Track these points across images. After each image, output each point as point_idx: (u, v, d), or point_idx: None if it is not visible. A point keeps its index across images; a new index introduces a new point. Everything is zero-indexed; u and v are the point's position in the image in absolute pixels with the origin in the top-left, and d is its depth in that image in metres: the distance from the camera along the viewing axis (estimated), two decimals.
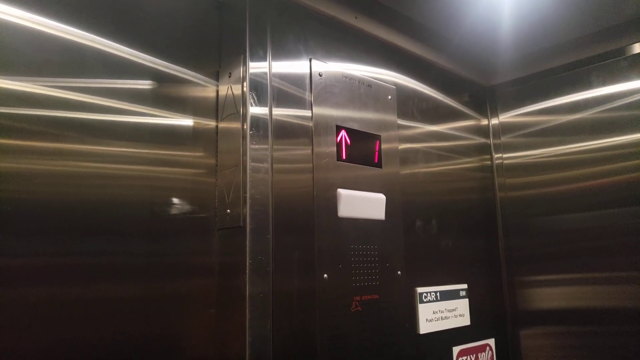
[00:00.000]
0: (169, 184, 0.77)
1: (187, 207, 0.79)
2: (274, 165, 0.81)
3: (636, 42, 1.17)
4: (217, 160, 0.84)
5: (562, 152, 1.27)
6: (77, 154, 0.68)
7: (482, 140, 1.39)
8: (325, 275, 0.85)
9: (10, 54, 0.64)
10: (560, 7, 1.12)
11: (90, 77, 0.71)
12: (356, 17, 1.02)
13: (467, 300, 1.17)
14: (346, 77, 0.97)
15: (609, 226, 1.17)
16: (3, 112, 0.62)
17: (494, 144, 1.42)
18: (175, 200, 0.77)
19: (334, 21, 0.99)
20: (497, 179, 1.39)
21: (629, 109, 1.17)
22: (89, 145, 0.69)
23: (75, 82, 0.69)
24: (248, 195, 0.76)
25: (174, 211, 0.77)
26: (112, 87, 0.73)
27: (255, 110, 0.80)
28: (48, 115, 0.66)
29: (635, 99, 1.16)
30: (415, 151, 1.14)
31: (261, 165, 0.79)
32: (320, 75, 0.92)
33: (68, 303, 0.64)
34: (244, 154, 0.78)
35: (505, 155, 1.40)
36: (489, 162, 1.40)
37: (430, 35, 1.22)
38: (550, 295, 1.26)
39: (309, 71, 0.91)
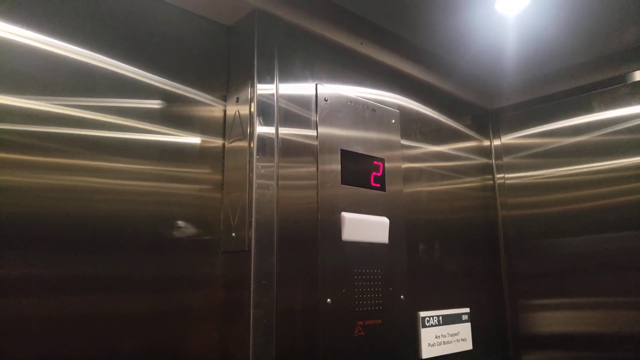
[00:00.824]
0: (176, 202, 0.78)
1: (192, 230, 0.80)
2: (280, 182, 0.82)
3: (636, 70, 1.19)
4: (223, 180, 0.85)
5: (564, 174, 1.28)
6: (90, 170, 0.70)
7: (485, 160, 1.40)
8: (328, 299, 0.85)
9: (27, 75, 0.66)
10: (562, 34, 1.14)
11: (102, 97, 0.73)
12: (362, 43, 1.04)
13: (469, 324, 1.16)
14: (351, 102, 0.99)
15: (611, 249, 1.16)
16: (18, 130, 0.64)
17: (496, 165, 1.42)
18: (181, 222, 0.78)
19: (340, 47, 1.01)
20: (499, 199, 1.40)
21: (630, 133, 1.18)
22: (101, 162, 0.71)
23: (89, 102, 0.71)
24: (254, 219, 0.77)
25: (180, 233, 0.78)
26: (124, 107, 0.75)
27: (262, 130, 0.81)
28: (62, 133, 0.68)
29: (636, 123, 1.17)
30: (419, 172, 1.15)
31: (267, 182, 0.80)
32: (325, 100, 0.94)
33: (73, 317, 0.65)
34: (250, 171, 0.79)
35: (507, 176, 1.41)
36: (491, 182, 1.41)
37: (434, 60, 1.24)
38: (553, 319, 1.26)
39: (314, 93, 0.92)
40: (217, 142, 0.86)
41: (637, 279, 1.12)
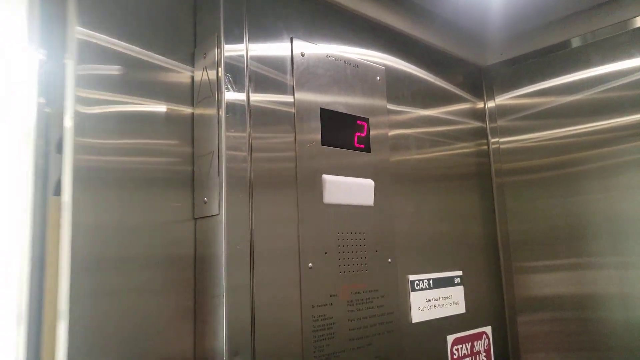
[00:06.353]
0: (144, 174, 0.74)
1: (162, 196, 0.75)
2: (253, 154, 0.77)
3: (637, 16, 1.12)
4: (193, 148, 0.80)
5: (560, 135, 1.23)
6: None
7: (478, 124, 1.35)
8: (310, 264, 0.81)
9: None
10: None
11: None
12: None
13: (462, 287, 1.14)
14: (331, 57, 0.93)
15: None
16: None
17: (490, 128, 1.37)
18: (150, 189, 0.74)
19: None
20: (493, 164, 1.35)
21: (630, 89, 1.12)
22: None
23: None
24: (225, 183, 0.72)
25: (150, 200, 0.73)
26: (79, 74, 0.69)
27: (231, 95, 0.75)
28: None
29: (636, 77, 1.11)
30: (407, 136, 1.09)
31: (238, 153, 0.75)
32: (302, 55, 0.88)
33: None
34: (220, 141, 0.74)
35: (502, 140, 1.36)
36: (485, 147, 1.36)
37: (420, 11, 1.17)
38: (549, 281, 1.23)
39: (290, 52, 0.86)
40: (187, 110, 0.80)
41: (633, 241, 1.09)
